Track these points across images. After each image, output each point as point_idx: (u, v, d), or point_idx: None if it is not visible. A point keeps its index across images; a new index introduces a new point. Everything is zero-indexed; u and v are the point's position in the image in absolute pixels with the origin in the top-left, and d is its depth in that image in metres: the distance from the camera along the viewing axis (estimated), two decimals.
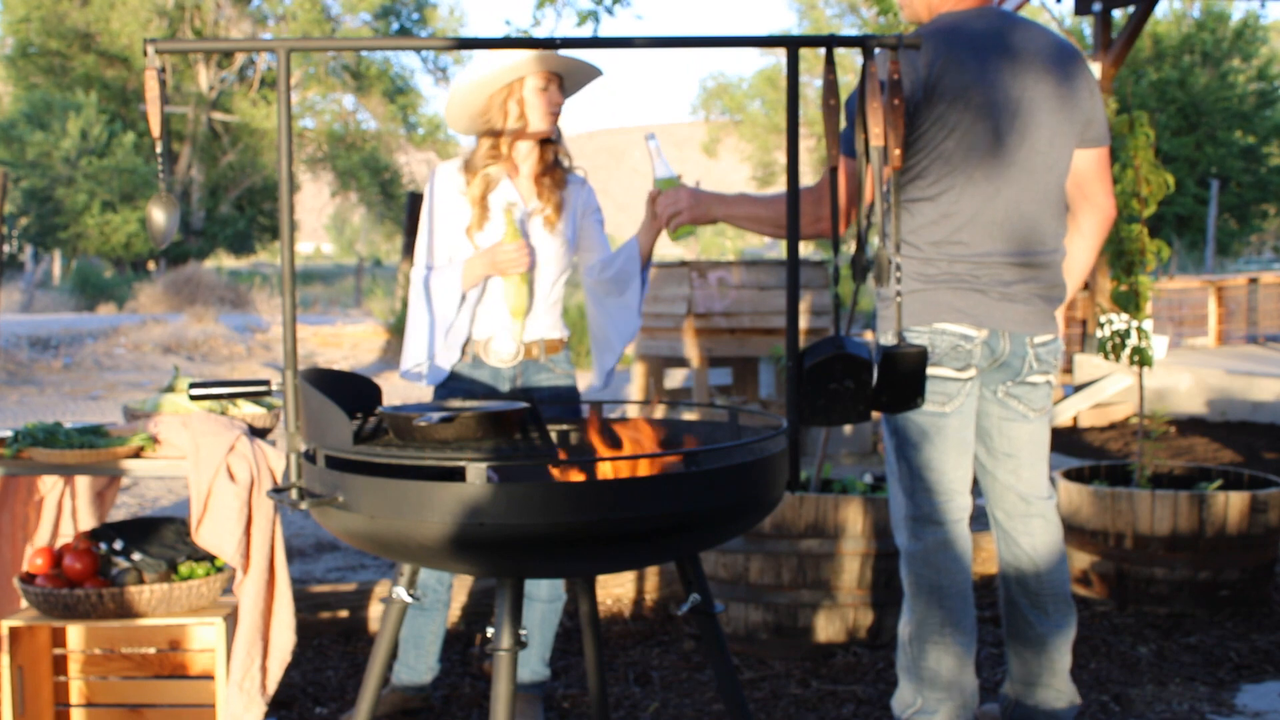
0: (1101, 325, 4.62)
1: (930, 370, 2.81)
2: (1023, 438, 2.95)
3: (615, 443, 2.31)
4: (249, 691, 2.84)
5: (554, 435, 2.50)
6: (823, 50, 2.05)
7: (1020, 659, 3.03)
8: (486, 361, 3.18)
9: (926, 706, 2.89)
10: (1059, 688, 3.01)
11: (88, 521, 3.15)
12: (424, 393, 3.34)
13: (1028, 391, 2.93)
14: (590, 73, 3.14)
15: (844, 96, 2.51)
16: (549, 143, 3.20)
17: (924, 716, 2.90)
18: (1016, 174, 2.78)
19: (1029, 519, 2.98)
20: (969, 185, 2.77)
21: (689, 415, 7.33)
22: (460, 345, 3.16)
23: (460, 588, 4.14)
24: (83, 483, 3.15)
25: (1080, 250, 3.01)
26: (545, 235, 3.18)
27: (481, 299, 3.17)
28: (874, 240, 2.22)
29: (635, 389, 9.23)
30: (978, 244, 2.78)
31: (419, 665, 3.35)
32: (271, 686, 2.91)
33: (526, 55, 3.03)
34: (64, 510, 3.14)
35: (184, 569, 2.90)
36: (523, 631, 1.99)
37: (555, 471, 2.16)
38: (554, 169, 3.20)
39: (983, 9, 2.86)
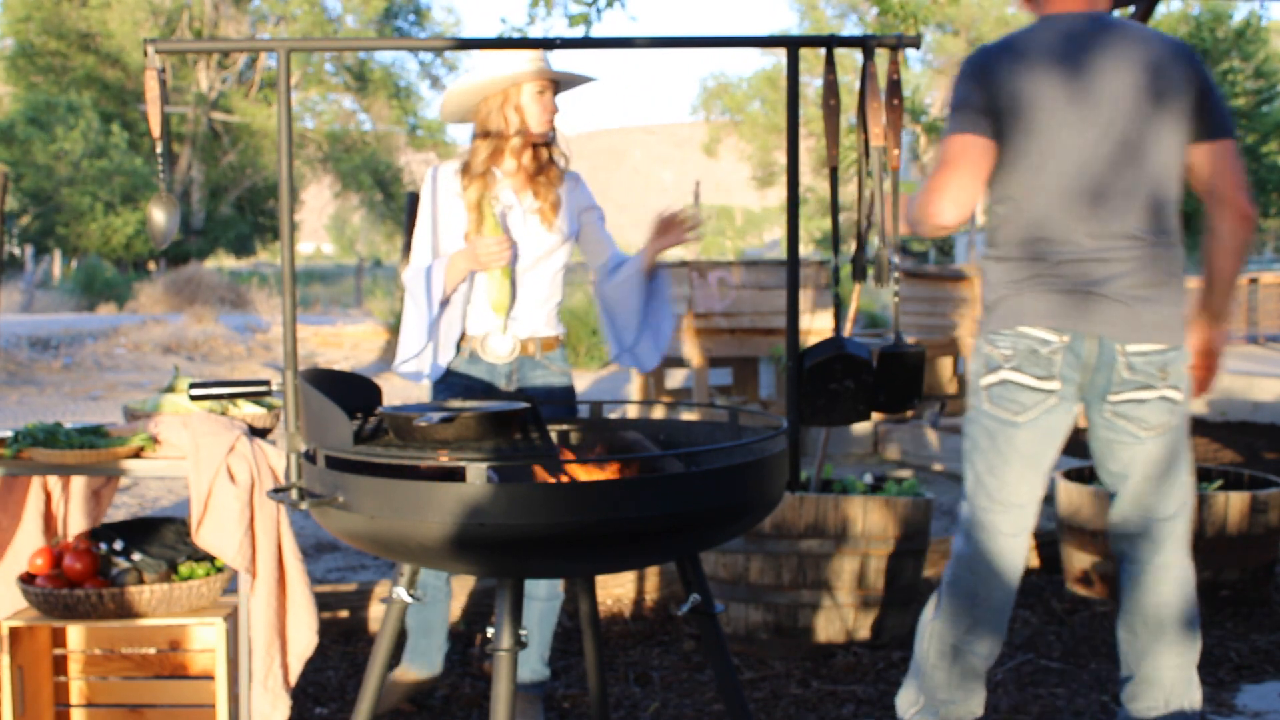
0: None
1: (1008, 375, 2.76)
2: (1135, 459, 2.80)
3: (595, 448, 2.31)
4: (273, 689, 2.85)
5: (554, 435, 2.50)
6: (823, 50, 2.05)
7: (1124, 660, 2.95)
8: (483, 358, 3.20)
9: (928, 707, 2.88)
10: (1149, 700, 2.89)
11: (85, 521, 3.15)
12: (424, 392, 3.34)
13: (1135, 409, 2.76)
14: (583, 79, 3.18)
15: (844, 96, 2.51)
16: (545, 142, 3.23)
17: (924, 717, 2.89)
18: (1092, 170, 2.72)
19: (1136, 539, 2.86)
20: (1035, 192, 2.73)
21: (689, 415, 7.33)
22: (455, 342, 3.18)
23: (460, 588, 4.14)
24: (79, 482, 3.15)
25: (1214, 253, 2.81)
26: (543, 231, 3.19)
27: (471, 296, 3.19)
28: (874, 240, 2.22)
29: (635, 389, 9.23)
30: (1057, 242, 2.73)
31: (429, 649, 3.38)
32: (292, 681, 2.93)
33: (524, 64, 3.07)
34: (62, 510, 3.14)
35: (184, 569, 2.91)
36: (523, 632, 1.99)
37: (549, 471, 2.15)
38: (549, 167, 3.22)
39: (1065, 14, 2.80)
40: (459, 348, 3.20)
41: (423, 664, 3.38)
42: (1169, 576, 2.85)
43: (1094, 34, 2.75)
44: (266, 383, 2.30)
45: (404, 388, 10.81)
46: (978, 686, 2.88)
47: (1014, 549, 2.83)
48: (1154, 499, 2.83)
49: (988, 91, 2.73)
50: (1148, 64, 2.73)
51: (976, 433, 2.83)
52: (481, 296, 3.18)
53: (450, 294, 3.15)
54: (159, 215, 2.10)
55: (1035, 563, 4.81)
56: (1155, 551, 2.85)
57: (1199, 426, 8.36)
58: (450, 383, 3.21)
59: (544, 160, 3.22)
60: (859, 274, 2.22)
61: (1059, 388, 2.76)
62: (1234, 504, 4.18)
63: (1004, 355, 2.77)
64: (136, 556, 2.90)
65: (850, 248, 2.33)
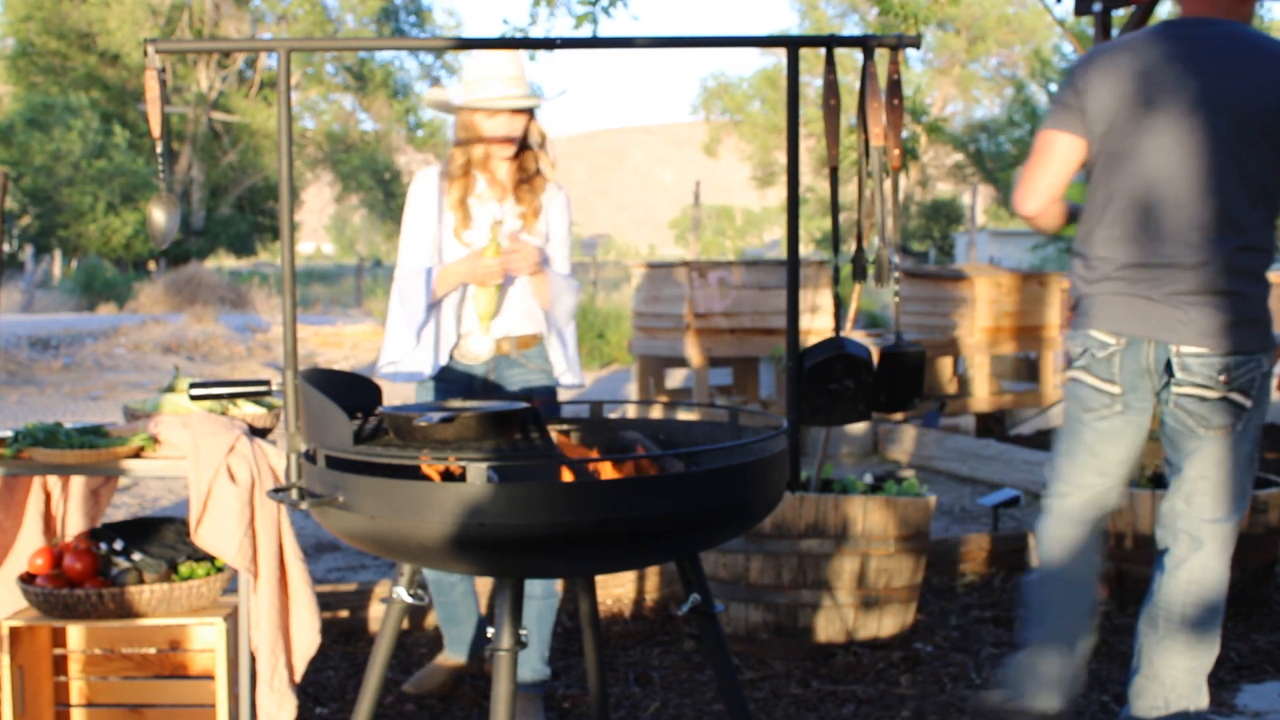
0: None
1: (1078, 374, 2.92)
2: (1193, 453, 2.85)
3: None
4: (280, 689, 2.86)
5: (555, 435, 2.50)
6: (823, 50, 2.05)
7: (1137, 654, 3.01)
8: (460, 359, 3.29)
9: (1020, 639, 3.05)
10: (1152, 698, 2.92)
11: (84, 521, 3.15)
12: (416, 392, 3.38)
13: (1196, 405, 2.80)
14: (534, 100, 3.23)
15: (844, 96, 2.52)
16: (528, 149, 3.31)
17: (1019, 653, 3.03)
18: (1164, 177, 2.76)
19: (1179, 534, 2.88)
20: (1112, 196, 2.82)
21: (689, 415, 7.33)
22: (451, 347, 3.26)
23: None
24: (79, 482, 3.15)
25: None
26: (522, 236, 3.27)
27: (465, 300, 3.28)
28: (874, 240, 2.22)
29: (635, 389, 9.23)
30: (1121, 249, 2.82)
31: (459, 637, 3.49)
32: (297, 680, 2.94)
33: (470, 93, 3.19)
34: (61, 510, 3.14)
35: (184, 569, 2.91)
36: (523, 631, 1.99)
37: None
38: (534, 176, 3.31)
39: (1181, 19, 2.84)
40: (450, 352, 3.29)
41: (457, 650, 3.51)
42: (1203, 579, 2.87)
43: (1198, 41, 2.77)
44: (266, 383, 2.30)
45: (404, 388, 10.81)
46: (1063, 636, 2.98)
47: (1074, 520, 2.98)
48: (1204, 499, 2.86)
49: (1078, 90, 2.83)
50: (1247, 75, 2.74)
51: (1064, 415, 3.02)
52: (470, 304, 3.27)
53: (440, 299, 3.23)
54: (159, 215, 2.10)
55: (1036, 563, 4.81)
56: (1194, 551, 2.87)
57: None
58: (432, 382, 3.29)
59: (529, 169, 3.30)
60: (859, 274, 2.22)
61: (1120, 393, 2.86)
62: None
63: (1076, 354, 2.93)
64: (136, 556, 2.90)
65: (850, 248, 2.33)
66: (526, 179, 3.29)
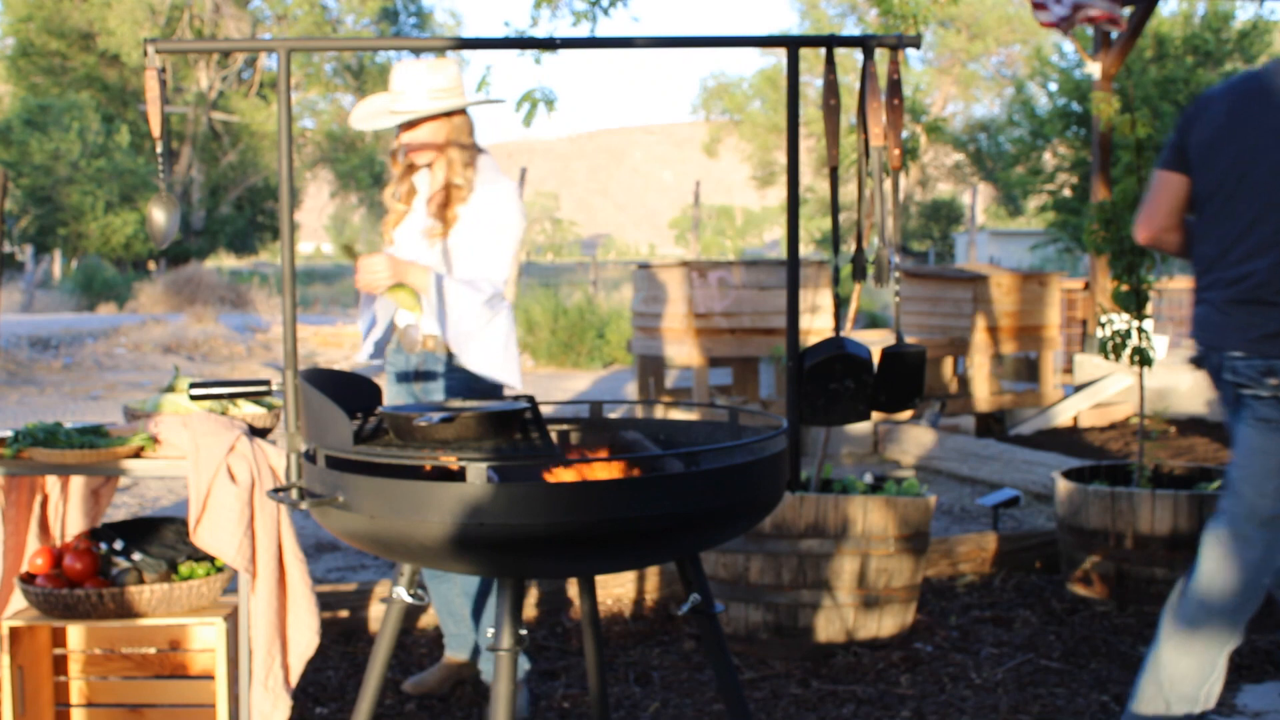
0: (1102, 325, 4.62)
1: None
2: (1243, 443, 2.89)
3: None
4: (274, 689, 2.86)
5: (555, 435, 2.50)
6: (823, 50, 2.05)
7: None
8: (403, 348, 3.40)
9: None
10: (1153, 690, 2.91)
11: (84, 521, 3.15)
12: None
13: (1251, 400, 2.88)
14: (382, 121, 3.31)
15: (844, 97, 2.52)
16: (443, 152, 3.31)
17: None
18: (1226, 199, 2.91)
19: (1221, 524, 2.89)
20: (1199, 218, 2.99)
21: (689, 415, 7.33)
22: (376, 339, 3.41)
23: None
24: (79, 482, 3.15)
25: None
26: (424, 249, 3.33)
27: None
28: (874, 240, 2.22)
29: (635, 389, 9.23)
30: (1201, 265, 2.98)
31: (459, 633, 3.49)
32: (293, 681, 2.94)
33: (371, 118, 3.33)
34: (62, 510, 3.14)
35: (184, 569, 2.91)
36: (523, 631, 1.99)
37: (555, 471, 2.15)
38: (449, 188, 3.31)
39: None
40: (390, 337, 3.44)
41: (456, 648, 3.51)
42: (1224, 578, 2.84)
43: None
44: (266, 383, 2.30)
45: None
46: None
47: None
48: (1252, 491, 2.86)
49: (1180, 129, 3.03)
50: None
51: None
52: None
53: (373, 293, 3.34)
54: (159, 215, 2.11)
55: (1035, 563, 4.81)
56: (1230, 546, 2.85)
57: (1199, 426, 8.37)
58: (388, 370, 3.47)
59: (445, 182, 3.31)
60: (859, 274, 2.22)
61: (1219, 398, 3.00)
62: None
63: None
64: (136, 556, 2.90)
65: (850, 248, 2.33)
66: (442, 188, 3.31)
